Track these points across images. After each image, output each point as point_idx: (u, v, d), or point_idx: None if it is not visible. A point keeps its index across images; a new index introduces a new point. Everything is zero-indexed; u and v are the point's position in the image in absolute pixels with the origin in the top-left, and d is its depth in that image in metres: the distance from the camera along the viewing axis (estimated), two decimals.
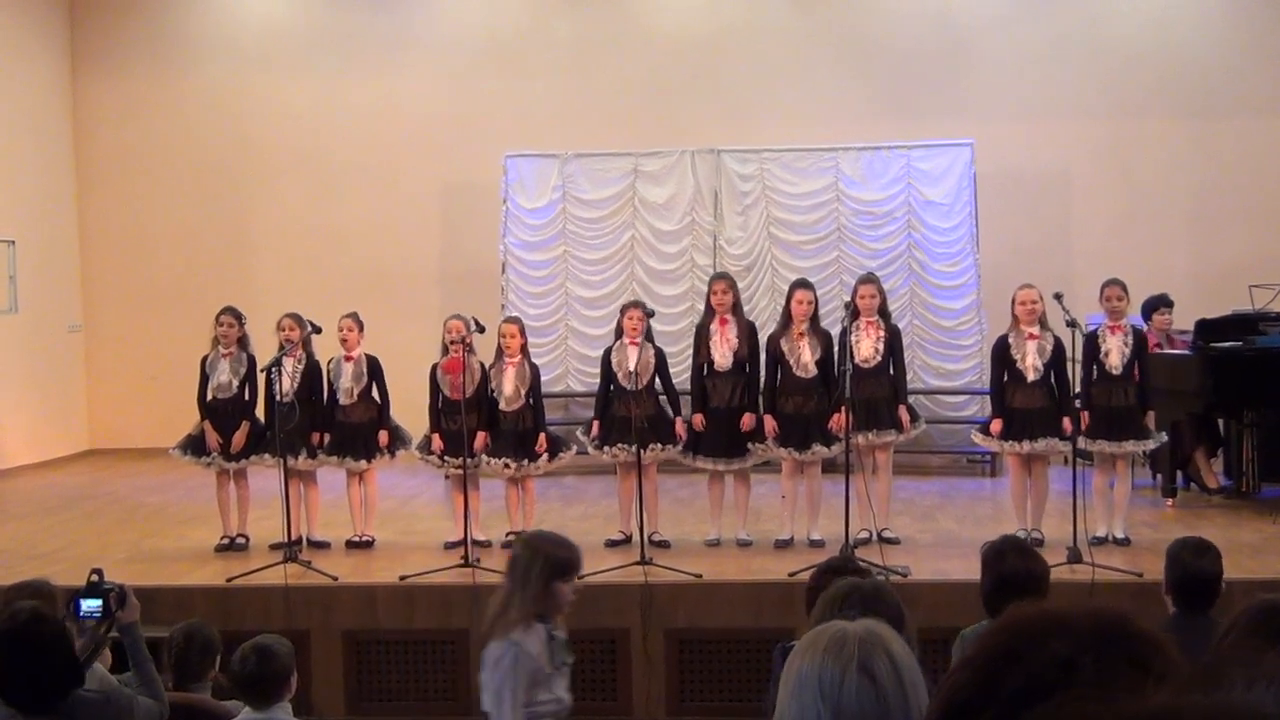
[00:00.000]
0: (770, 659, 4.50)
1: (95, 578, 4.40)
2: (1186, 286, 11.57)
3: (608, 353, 8.75)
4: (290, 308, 9.07)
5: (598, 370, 8.93)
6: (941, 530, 9.11)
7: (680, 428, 8.61)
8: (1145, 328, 10.32)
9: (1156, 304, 10.42)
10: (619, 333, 8.72)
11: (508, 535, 8.72)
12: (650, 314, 8.67)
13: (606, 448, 8.59)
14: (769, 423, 8.49)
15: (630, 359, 8.44)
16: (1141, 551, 8.14)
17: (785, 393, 8.55)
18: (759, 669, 7.14)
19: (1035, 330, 8.44)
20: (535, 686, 4.15)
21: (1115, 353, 8.43)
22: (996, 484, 11.14)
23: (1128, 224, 13.02)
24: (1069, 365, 8.49)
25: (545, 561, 4.26)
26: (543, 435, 8.65)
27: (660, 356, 8.69)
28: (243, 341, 8.82)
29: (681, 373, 9.89)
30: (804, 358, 8.49)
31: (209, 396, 8.77)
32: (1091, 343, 8.41)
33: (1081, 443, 8.23)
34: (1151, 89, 13.08)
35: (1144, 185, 13.11)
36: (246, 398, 8.78)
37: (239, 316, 8.82)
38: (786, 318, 8.64)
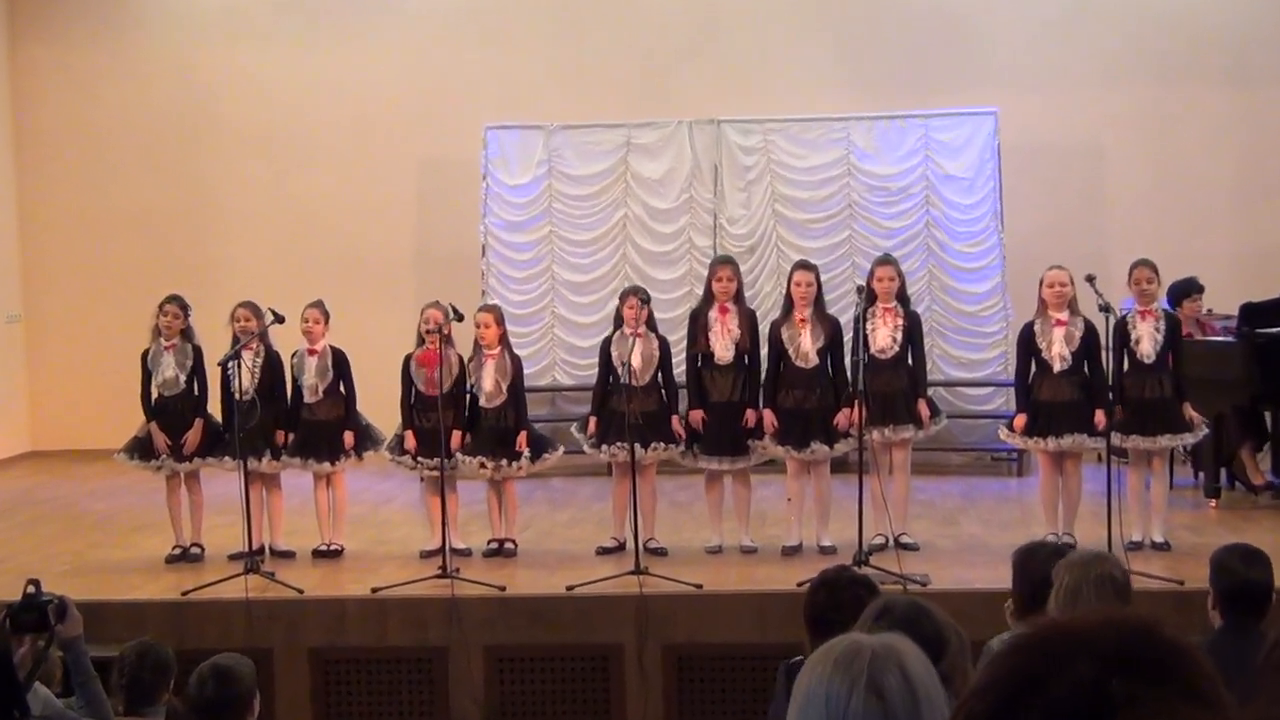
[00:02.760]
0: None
1: (32, 589, 4.36)
2: (1229, 267, 11.56)
3: (607, 343, 8.73)
4: (253, 294, 9.05)
5: (586, 362, 8.95)
6: (964, 535, 9.10)
7: (677, 425, 8.59)
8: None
9: (1186, 289, 10.39)
10: (618, 322, 8.70)
11: (489, 543, 8.71)
12: (646, 301, 8.64)
13: (605, 446, 8.56)
14: (768, 417, 8.47)
15: (629, 350, 8.40)
16: (1182, 557, 8.13)
17: (785, 385, 8.52)
18: (764, 688, 7.12)
19: (1064, 316, 8.41)
20: None
21: (1146, 340, 8.40)
22: (1024, 484, 11.12)
23: (1165, 200, 12.99)
24: (1102, 354, 8.46)
25: None
26: (523, 434, 8.62)
27: (664, 348, 8.68)
28: (187, 333, 8.79)
29: (680, 363, 9.84)
30: (804, 346, 8.47)
31: (155, 394, 8.74)
32: (1120, 330, 8.37)
33: (1114, 439, 8.21)
34: (1191, 52, 13.04)
35: (1183, 158, 13.07)
36: (197, 393, 8.76)
37: (185, 306, 8.80)
38: (788, 303, 8.62)
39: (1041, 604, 4.26)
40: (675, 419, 8.61)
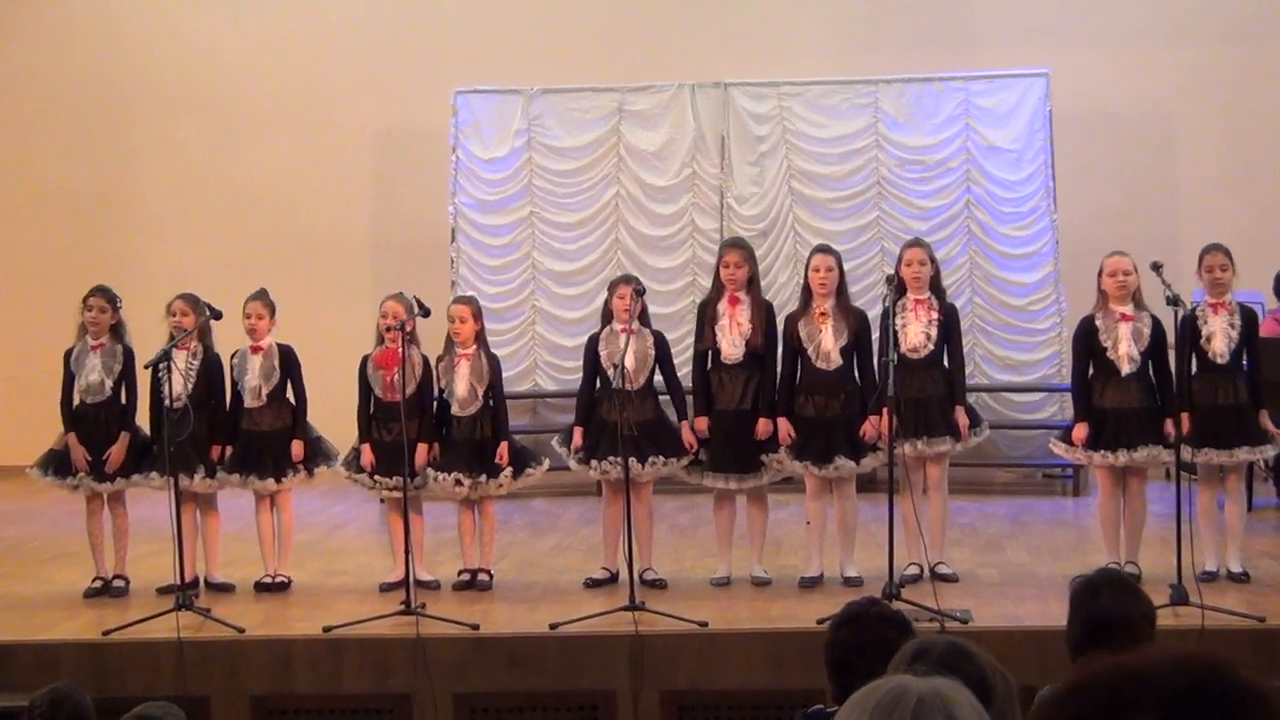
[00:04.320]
0: None
1: None
2: None
3: (594, 341, 8.73)
4: (187, 285, 9.05)
5: (571, 364, 8.95)
6: (1011, 564, 9.10)
7: (687, 433, 8.57)
8: (1276, 305, 10.28)
9: None
10: (607, 317, 8.69)
11: (460, 574, 8.70)
12: (640, 292, 8.62)
13: (594, 461, 8.55)
14: (783, 427, 8.45)
15: (621, 349, 8.38)
16: (1263, 589, 8.15)
17: (804, 390, 8.51)
18: None
19: (1129, 310, 8.39)
20: None
21: (1219, 337, 8.38)
22: (1080, 505, 11.15)
23: (1242, 176, 13.01)
24: (1170, 353, 8.44)
25: None
26: (504, 445, 8.61)
27: (661, 345, 8.68)
28: (117, 330, 8.78)
29: (682, 364, 9.82)
30: (825, 345, 8.45)
31: (76, 400, 8.74)
32: (1190, 326, 8.33)
33: (1184, 452, 8.18)
34: (1272, 5, 13.06)
35: (1263, 127, 13.09)
36: (124, 401, 8.75)
37: (112, 299, 8.79)
38: (806, 295, 8.61)
39: (1098, 645, 4.23)
40: (685, 426, 8.60)
